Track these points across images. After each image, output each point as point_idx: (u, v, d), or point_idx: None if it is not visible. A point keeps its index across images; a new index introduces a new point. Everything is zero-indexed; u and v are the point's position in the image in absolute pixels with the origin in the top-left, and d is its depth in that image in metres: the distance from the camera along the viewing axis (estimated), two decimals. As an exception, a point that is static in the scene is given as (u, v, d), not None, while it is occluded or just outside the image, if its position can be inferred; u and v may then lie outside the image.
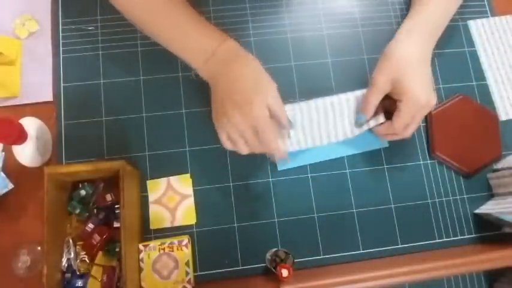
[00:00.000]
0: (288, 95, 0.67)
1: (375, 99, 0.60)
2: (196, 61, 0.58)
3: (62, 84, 0.65)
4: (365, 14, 0.72)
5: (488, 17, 0.74)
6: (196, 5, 0.69)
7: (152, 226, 0.61)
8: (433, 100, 0.58)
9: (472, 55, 0.71)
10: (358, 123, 0.62)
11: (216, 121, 0.57)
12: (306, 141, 0.62)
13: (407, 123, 0.59)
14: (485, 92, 0.70)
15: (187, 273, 0.58)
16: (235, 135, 0.55)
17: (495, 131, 0.67)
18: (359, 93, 0.63)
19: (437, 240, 0.63)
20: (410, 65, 0.58)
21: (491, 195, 0.66)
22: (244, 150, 0.56)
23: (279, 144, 0.58)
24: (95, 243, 0.57)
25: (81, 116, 0.64)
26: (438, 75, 0.70)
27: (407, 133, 0.60)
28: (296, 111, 0.62)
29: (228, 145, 0.57)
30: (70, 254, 0.57)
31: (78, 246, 0.59)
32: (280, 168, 0.64)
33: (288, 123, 0.58)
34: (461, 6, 0.73)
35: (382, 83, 0.59)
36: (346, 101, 0.63)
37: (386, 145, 0.66)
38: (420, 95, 0.57)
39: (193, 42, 0.58)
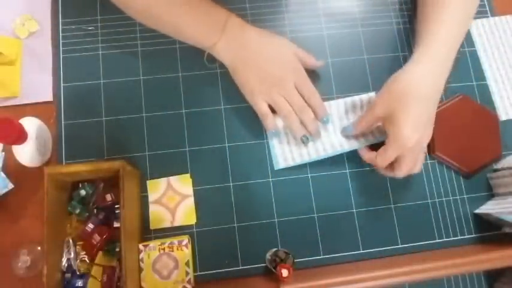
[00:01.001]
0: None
1: (368, 122, 0.59)
2: (210, 38, 0.60)
3: (62, 84, 0.65)
4: (365, 14, 0.72)
5: (488, 17, 0.74)
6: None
7: (152, 226, 0.61)
8: (424, 141, 0.56)
9: (472, 55, 0.71)
10: (344, 133, 0.63)
11: (257, 93, 0.60)
12: (308, 153, 0.63)
13: (390, 159, 0.56)
14: (485, 92, 0.70)
15: (187, 273, 0.58)
16: (279, 98, 0.60)
17: (495, 131, 0.67)
18: (356, 96, 0.65)
19: (437, 240, 0.63)
20: (410, 100, 0.54)
21: (491, 195, 0.66)
22: (290, 111, 0.60)
23: (321, 107, 0.61)
24: (95, 243, 0.57)
25: (81, 116, 0.64)
26: (438, 75, 0.70)
27: (399, 173, 0.57)
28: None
29: (269, 119, 0.61)
30: (70, 254, 0.57)
31: (78, 246, 0.59)
32: (276, 167, 0.64)
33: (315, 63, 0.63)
34: (461, 6, 0.74)
35: (379, 108, 0.56)
36: (343, 104, 0.65)
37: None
38: (409, 134, 0.53)
39: (203, 20, 0.60)
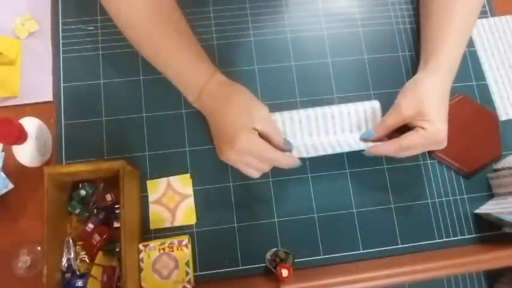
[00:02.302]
0: (288, 95, 0.67)
1: (394, 123, 0.59)
2: (192, 95, 0.59)
3: (62, 84, 0.65)
4: (365, 14, 0.72)
5: (488, 17, 0.74)
6: (197, 5, 0.70)
7: (152, 226, 0.61)
8: (445, 140, 0.59)
9: (472, 55, 0.71)
10: (363, 138, 0.62)
11: (220, 156, 0.57)
12: (307, 151, 0.61)
13: (417, 152, 0.59)
14: (485, 92, 0.70)
15: (187, 273, 0.58)
16: (241, 166, 0.56)
17: (495, 131, 0.67)
18: (360, 106, 0.63)
19: (437, 240, 0.63)
20: (434, 98, 0.59)
21: (491, 195, 0.66)
22: (254, 174, 0.57)
23: (286, 158, 0.57)
24: (95, 243, 0.57)
25: (81, 116, 0.64)
26: (438, 75, 0.70)
27: (404, 154, 0.59)
28: (295, 121, 0.62)
29: (254, 174, 0.57)
30: (70, 254, 0.57)
31: (78, 246, 0.59)
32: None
33: (283, 143, 0.58)
34: (461, 6, 0.74)
35: (406, 109, 0.58)
36: (347, 115, 0.63)
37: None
38: (442, 127, 0.58)
39: (192, 75, 0.58)
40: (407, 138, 0.58)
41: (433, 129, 0.57)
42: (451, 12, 0.62)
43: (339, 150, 0.61)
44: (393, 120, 0.59)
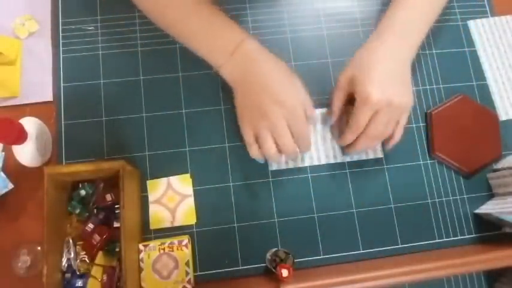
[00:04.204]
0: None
1: (336, 99, 0.60)
2: (218, 59, 0.57)
3: (62, 84, 0.65)
4: (365, 14, 0.72)
5: (488, 17, 0.74)
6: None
7: (152, 226, 0.61)
8: (396, 101, 0.54)
9: (472, 55, 0.71)
10: (327, 123, 0.64)
11: (246, 122, 0.56)
12: (302, 159, 0.64)
13: (361, 123, 0.56)
14: (485, 92, 0.70)
15: (187, 273, 0.58)
16: (266, 134, 0.55)
17: (495, 131, 0.67)
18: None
19: (437, 240, 0.63)
20: (371, 62, 0.56)
21: (491, 195, 0.66)
22: (272, 149, 0.55)
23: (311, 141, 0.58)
24: (95, 243, 0.57)
25: (81, 116, 0.64)
26: (438, 75, 0.70)
27: (372, 135, 0.57)
28: None
29: (253, 149, 0.57)
30: (70, 254, 0.57)
31: (78, 246, 0.59)
32: (270, 168, 0.64)
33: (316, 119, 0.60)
34: (461, 6, 0.74)
35: (342, 82, 0.59)
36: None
37: (380, 155, 0.66)
38: (372, 90, 0.53)
39: (215, 39, 0.57)
40: (352, 119, 0.57)
41: (363, 93, 0.54)
42: None
43: (332, 161, 0.65)
44: (335, 96, 0.59)
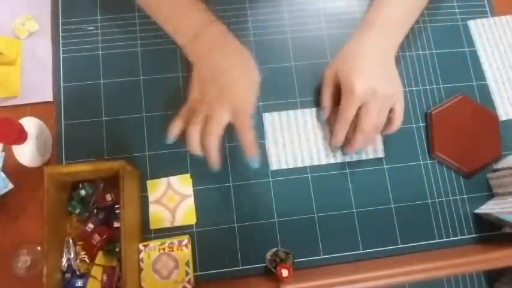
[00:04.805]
0: (288, 95, 0.67)
1: (325, 93, 0.62)
2: (184, 38, 0.59)
3: (62, 84, 0.65)
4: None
5: (488, 17, 0.74)
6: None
7: (152, 226, 0.61)
8: (382, 91, 0.55)
9: (472, 55, 0.71)
10: (321, 119, 0.65)
11: (192, 97, 0.57)
12: (302, 160, 0.64)
13: (350, 114, 0.57)
14: (485, 92, 0.70)
15: (187, 273, 0.58)
16: (201, 117, 0.54)
17: (495, 131, 0.67)
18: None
19: (437, 240, 0.63)
20: (354, 55, 0.58)
21: (491, 195, 0.66)
22: (194, 134, 0.54)
23: (252, 137, 0.56)
24: (95, 243, 0.57)
25: (81, 116, 0.64)
26: (438, 75, 0.70)
27: (365, 128, 0.57)
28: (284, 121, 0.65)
29: (175, 127, 0.57)
30: (70, 254, 0.57)
31: (78, 246, 0.59)
32: (271, 168, 0.64)
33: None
34: (461, 6, 0.74)
35: (329, 76, 0.60)
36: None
37: (381, 155, 0.66)
38: (354, 80, 0.55)
39: (183, 19, 0.58)
40: (339, 112, 0.58)
41: (347, 84, 0.56)
42: None
43: (332, 161, 0.64)
44: (323, 90, 0.61)
